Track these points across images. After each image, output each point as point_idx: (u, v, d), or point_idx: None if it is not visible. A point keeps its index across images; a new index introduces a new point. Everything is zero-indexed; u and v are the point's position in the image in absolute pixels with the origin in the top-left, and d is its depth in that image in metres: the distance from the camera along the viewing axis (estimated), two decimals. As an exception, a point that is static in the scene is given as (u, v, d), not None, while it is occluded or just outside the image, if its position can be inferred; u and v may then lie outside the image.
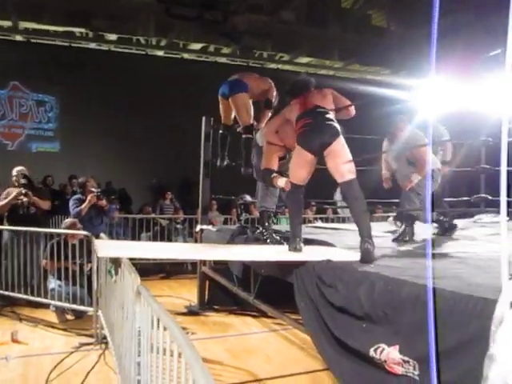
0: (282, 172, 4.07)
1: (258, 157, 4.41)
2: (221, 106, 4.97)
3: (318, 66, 13.39)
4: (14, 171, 6.09)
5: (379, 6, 12.28)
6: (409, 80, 11.03)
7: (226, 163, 5.07)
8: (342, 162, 3.43)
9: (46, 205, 6.10)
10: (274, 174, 3.97)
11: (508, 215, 4.43)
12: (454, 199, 5.18)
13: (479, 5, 9.89)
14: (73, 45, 11.72)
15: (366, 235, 3.26)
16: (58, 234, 5.25)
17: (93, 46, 11.85)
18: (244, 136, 4.69)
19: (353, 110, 3.94)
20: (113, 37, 11.24)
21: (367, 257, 3.17)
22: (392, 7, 12.07)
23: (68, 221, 5.64)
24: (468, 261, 3.34)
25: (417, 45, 10.38)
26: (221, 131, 5.10)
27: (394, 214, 5.86)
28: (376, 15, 12.70)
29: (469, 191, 5.36)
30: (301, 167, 3.63)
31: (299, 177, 3.66)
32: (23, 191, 5.81)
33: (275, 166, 4.09)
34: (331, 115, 3.59)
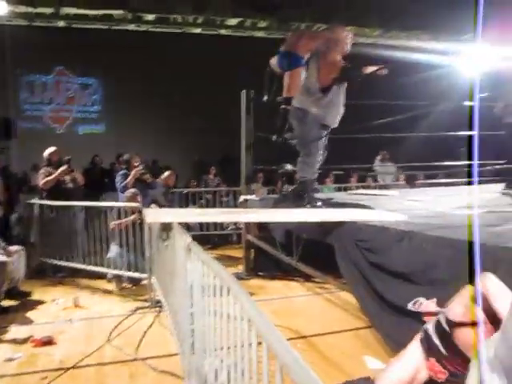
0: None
1: (300, 125, 4.47)
2: (286, 78, 4.62)
3: (356, 34, 13.14)
4: (46, 152, 6.31)
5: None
6: (449, 44, 10.70)
7: (282, 139, 4.86)
8: None
9: (82, 180, 6.78)
10: None
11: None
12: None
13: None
14: (112, 27, 11.98)
15: None
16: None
17: (132, 27, 12.05)
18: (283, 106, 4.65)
19: None
20: (150, 17, 11.41)
21: None
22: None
23: (130, 191, 5.85)
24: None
25: (458, 5, 10.03)
26: (283, 106, 4.67)
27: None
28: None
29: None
30: None
31: None
32: (69, 168, 6.26)
33: None
34: None
